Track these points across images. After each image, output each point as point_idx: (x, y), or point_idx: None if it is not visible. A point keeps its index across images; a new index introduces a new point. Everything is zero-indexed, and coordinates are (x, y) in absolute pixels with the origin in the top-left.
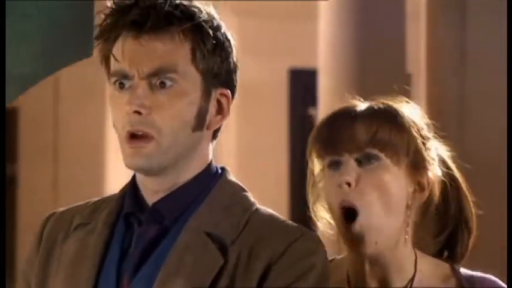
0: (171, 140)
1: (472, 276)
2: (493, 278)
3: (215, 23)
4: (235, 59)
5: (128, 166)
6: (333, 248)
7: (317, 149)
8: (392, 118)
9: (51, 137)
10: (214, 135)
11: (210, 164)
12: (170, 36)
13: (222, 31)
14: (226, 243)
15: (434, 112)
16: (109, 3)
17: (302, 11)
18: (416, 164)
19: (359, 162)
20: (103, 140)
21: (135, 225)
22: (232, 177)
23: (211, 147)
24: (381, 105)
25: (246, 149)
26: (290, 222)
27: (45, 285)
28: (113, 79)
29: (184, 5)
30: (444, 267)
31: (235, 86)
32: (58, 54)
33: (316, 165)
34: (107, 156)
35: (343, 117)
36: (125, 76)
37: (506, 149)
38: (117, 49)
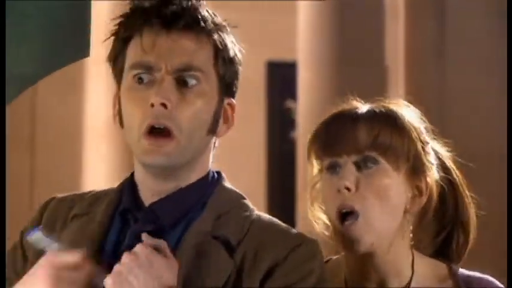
0: (188, 140)
1: (469, 277)
2: (490, 278)
3: (232, 36)
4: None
5: (145, 163)
6: (330, 248)
7: (315, 150)
8: (393, 122)
9: (29, 128)
10: (214, 143)
11: (208, 173)
12: (199, 36)
13: (237, 45)
14: (233, 245)
15: (414, 101)
16: (114, 3)
17: (280, 4)
18: (416, 169)
19: (358, 166)
20: (80, 132)
21: (131, 222)
22: (227, 183)
23: (211, 155)
24: (382, 109)
25: (223, 142)
26: (290, 227)
27: None
28: (134, 72)
29: (209, 11)
30: (441, 267)
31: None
32: (57, 54)
33: (314, 166)
34: (84, 147)
35: (344, 119)
36: (149, 68)
37: (507, 149)
38: (145, 42)
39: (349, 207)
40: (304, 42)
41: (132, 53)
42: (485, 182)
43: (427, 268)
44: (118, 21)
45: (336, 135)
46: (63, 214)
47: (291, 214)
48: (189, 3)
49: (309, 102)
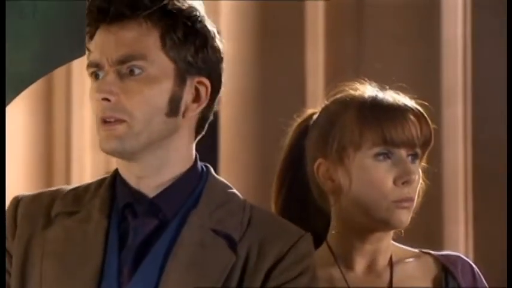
0: (143, 125)
1: (441, 254)
2: (458, 253)
3: (190, 12)
4: (217, 49)
5: (103, 150)
6: None
7: (373, 137)
8: (426, 119)
9: None
10: (197, 133)
11: (196, 161)
12: (137, 24)
13: (199, 20)
14: (235, 239)
15: (332, 71)
16: None
17: None
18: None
19: (411, 157)
20: None
21: (129, 217)
22: (215, 174)
23: (193, 144)
24: (414, 103)
25: None
26: (286, 220)
27: (27, 274)
28: (89, 71)
29: None
30: (412, 249)
31: (219, 76)
32: (54, 53)
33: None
34: None
35: (392, 109)
36: (97, 65)
37: (506, 149)
38: (87, 41)
39: (412, 199)
40: (227, 11)
41: (87, 54)
42: None
43: (401, 249)
44: None
45: (394, 126)
46: (43, 211)
47: None
48: None
49: (230, 74)
